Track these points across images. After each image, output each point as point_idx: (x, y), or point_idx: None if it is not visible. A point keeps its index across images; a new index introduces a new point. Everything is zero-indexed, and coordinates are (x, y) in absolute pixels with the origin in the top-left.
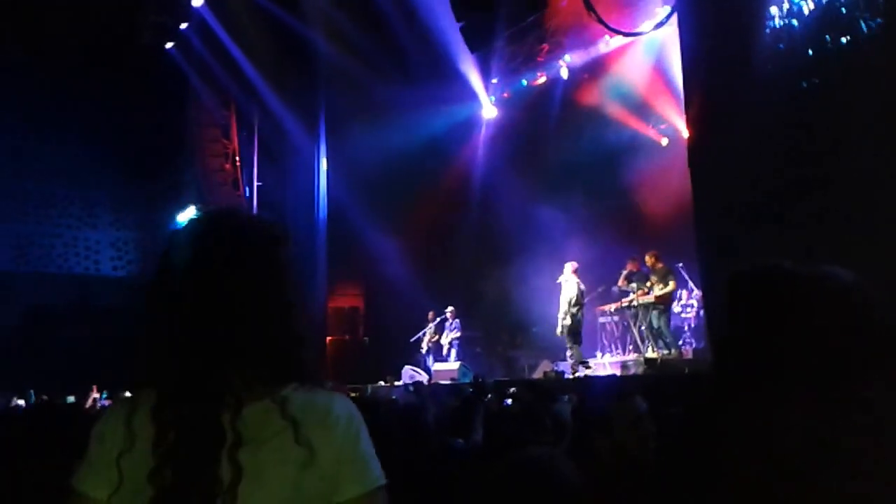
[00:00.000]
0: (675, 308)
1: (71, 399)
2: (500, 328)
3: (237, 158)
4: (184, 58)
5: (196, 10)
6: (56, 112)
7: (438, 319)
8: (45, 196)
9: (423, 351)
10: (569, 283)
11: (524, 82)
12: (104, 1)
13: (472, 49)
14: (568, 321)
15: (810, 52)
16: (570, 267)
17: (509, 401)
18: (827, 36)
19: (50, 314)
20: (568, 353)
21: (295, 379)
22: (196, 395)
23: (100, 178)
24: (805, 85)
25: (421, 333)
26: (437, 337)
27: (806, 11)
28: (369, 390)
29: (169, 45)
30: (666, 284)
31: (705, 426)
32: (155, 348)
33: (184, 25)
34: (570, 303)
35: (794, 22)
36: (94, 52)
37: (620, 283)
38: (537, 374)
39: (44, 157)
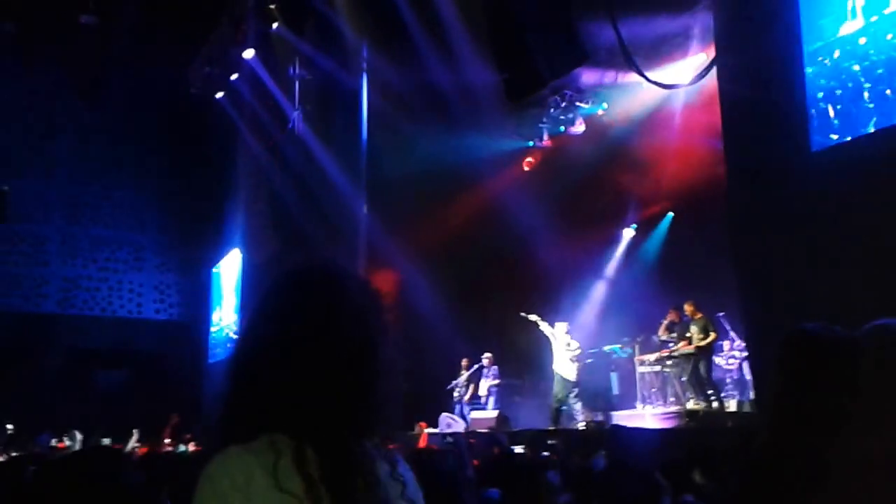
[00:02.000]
0: (718, 359)
1: (106, 441)
2: (539, 377)
3: (280, 204)
4: (232, 107)
5: (246, 61)
6: (106, 157)
7: (476, 367)
8: (93, 239)
9: (456, 398)
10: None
11: (562, 128)
12: (158, 53)
13: (513, 100)
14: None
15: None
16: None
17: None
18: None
19: (92, 357)
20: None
21: (383, 432)
22: (339, 446)
23: (147, 223)
24: (848, 139)
25: (456, 382)
26: (471, 385)
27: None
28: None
29: (219, 94)
30: (706, 334)
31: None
32: (289, 394)
33: (234, 76)
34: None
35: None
36: (146, 101)
37: (661, 332)
38: (579, 425)
39: (93, 201)
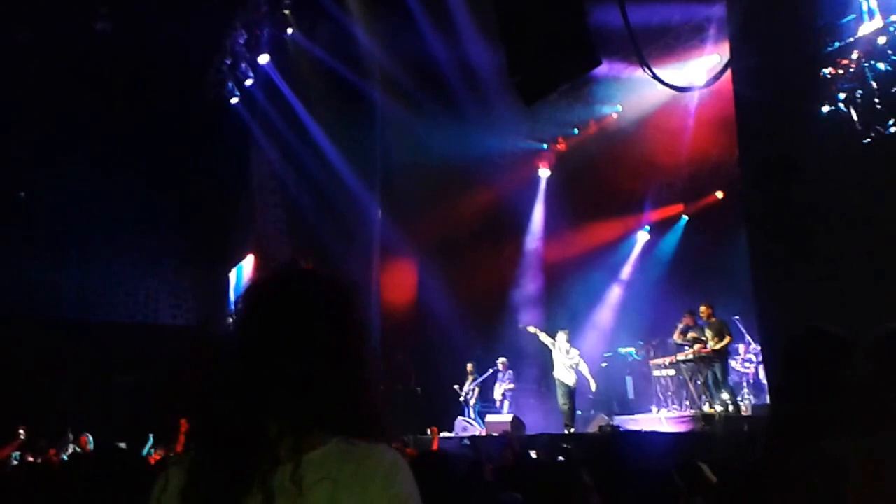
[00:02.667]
0: (733, 363)
1: (122, 446)
2: (553, 380)
3: (295, 208)
4: (248, 112)
5: (261, 67)
6: (122, 164)
7: (490, 371)
8: (111, 245)
9: (462, 400)
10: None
11: (576, 131)
12: (173, 57)
13: (527, 103)
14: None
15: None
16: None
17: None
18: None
19: (108, 362)
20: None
21: (354, 430)
22: (232, 445)
23: (163, 228)
24: (867, 140)
25: (472, 385)
26: (476, 388)
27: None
28: (411, 441)
29: (234, 100)
30: (721, 338)
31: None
32: (207, 400)
33: (249, 82)
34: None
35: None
36: (161, 106)
37: (676, 336)
38: (592, 428)
39: (109, 207)
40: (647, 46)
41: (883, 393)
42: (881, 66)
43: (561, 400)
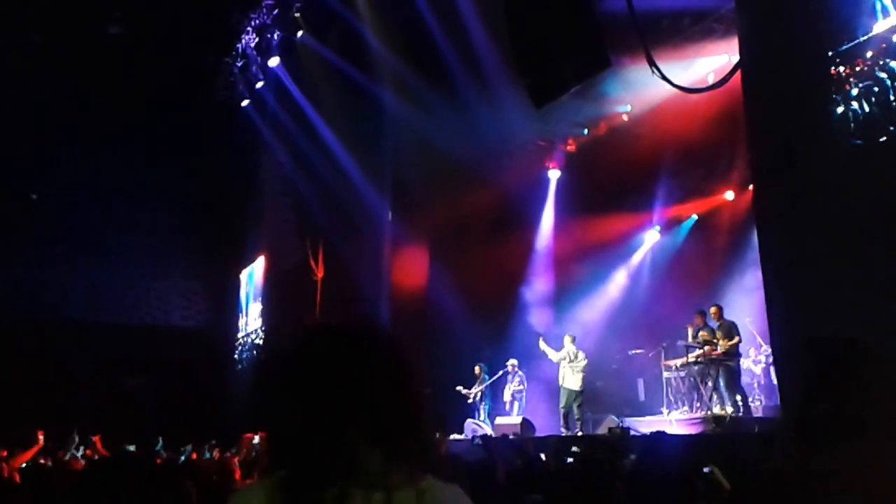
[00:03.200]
0: (745, 364)
1: (131, 448)
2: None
3: (305, 211)
4: (258, 114)
5: (271, 69)
6: (132, 166)
7: (500, 372)
8: (121, 247)
9: (471, 402)
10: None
11: (585, 131)
12: (184, 61)
13: (537, 105)
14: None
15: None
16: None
17: (570, 459)
18: None
19: (118, 363)
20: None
21: (430, 470)
22: (330, 477)
23: (173, 230)
24: (883, 139)
25: (481, 387)
26: (479, 390)
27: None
28: None
29: (244, 102)
30: (730, 339)
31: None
32: (292, 433)
33: (259, 84)
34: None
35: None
36: (172, 109)
37: (690, 338)
38: (601, 430)
39: (119, 208)
40: (655, 45)
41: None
42: (895, 64)
43: (562, 402)
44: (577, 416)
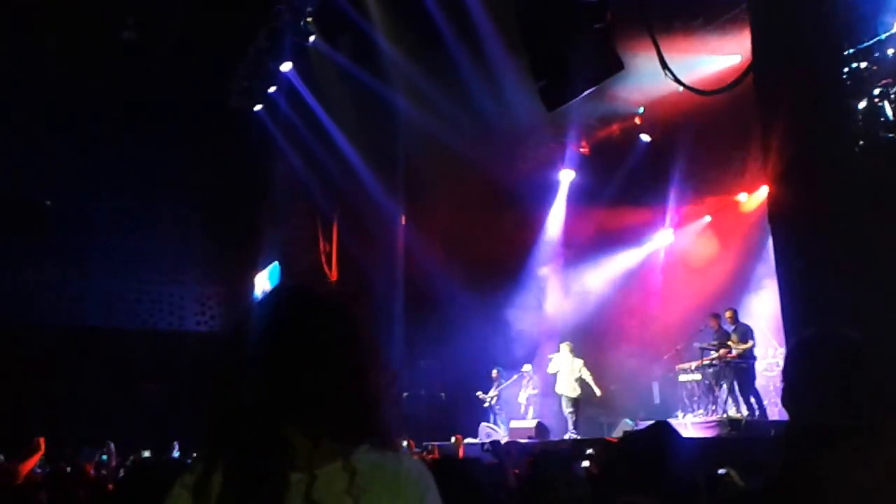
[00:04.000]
0: (760, 367)
1: (146, 454)
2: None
3: (318, 216)
4: (270, 119)
5: (284, 74)
6: (146, 171)
7: (514, 376)
8: (135, 253)
9: (487, 406)
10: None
11: (601, 136)
12: (196, 66)
13: (550, 108)
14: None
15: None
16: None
17: (585, 463)
18: None
19: (133, 369)
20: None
21: (369, 438)
22: (263, 455)
23: (187, 236)
24: (891, 136)
25: (497, 391)
26: (496, 393)
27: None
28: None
29: (257, 107)
30: (745, 342)
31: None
32: (225, 409)
33: (272, 89)
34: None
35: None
36: (184, 114)
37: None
38: (616, 434)
39: (133, 215)
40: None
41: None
42: None
43: (566, 408)
44: (571, 420)
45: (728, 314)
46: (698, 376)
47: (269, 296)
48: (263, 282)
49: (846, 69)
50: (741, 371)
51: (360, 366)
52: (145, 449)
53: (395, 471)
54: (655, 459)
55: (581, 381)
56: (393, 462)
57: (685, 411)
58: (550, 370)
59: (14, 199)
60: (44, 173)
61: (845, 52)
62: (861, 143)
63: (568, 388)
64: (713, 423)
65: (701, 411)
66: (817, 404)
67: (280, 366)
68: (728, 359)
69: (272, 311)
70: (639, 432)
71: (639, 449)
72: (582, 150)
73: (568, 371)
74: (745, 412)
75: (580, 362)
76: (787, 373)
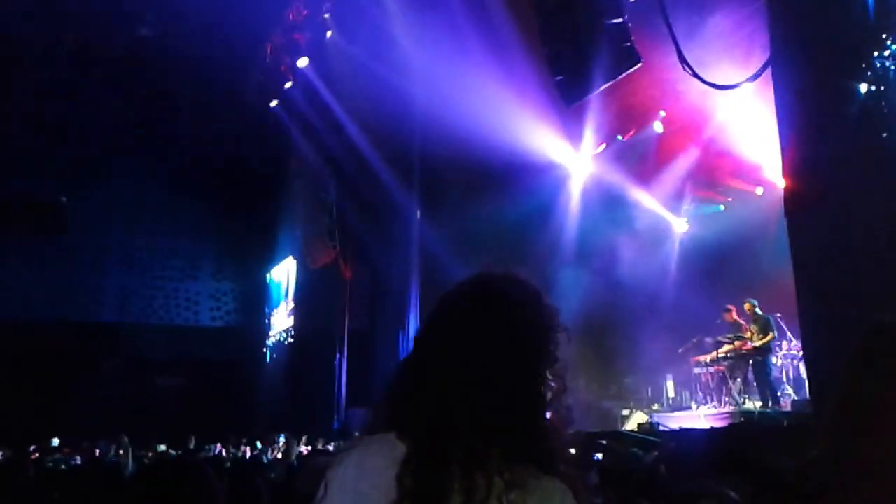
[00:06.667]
0: (774, 359)
1: (162, 447)
2: (591, 377)
3: (334, 211)
4: (286, 115)
5: (300, 70)
6: (162, 167)
7: None
8: (151, 249)
9: None
10: None
11: (619, 137)
12: (213, 62)
13: (568, 103)
14: None
15: None
16: None
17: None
18: None
19: (150, 364)
20: None
21: (533, 462)
22: (440, 455)
23: (202, 232)
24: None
25: None
26: None
27: None
28: None
29: (273, 103)
30: (765, 335)
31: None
32: (410, 396)
33: (288, 85)
34: None
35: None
36: (201, 110)
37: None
38: (630, 426)
39: (149, 211)
40: (687, 43)
41: None
42: None
43: None
44: None
45: (747, 306)
46: (712, 369)
47: (486, 284)
48: (278, 277)
49: (864, 64)
50: (756, 363)
51: (555, 390)
52: (161, 442)
53: (545, 493)
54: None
55: None
56: (548, 485)
57: (699, 403)
58: None
59: (32, 197)
60: (62, 172)
61: (863, 47)
62: (884, 134)
63: None
64: (726, 415)
65: (714, 403)
66: (864, 390)
67: (484, 370)
68: (743, 351)
69: (485, 303)
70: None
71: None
72: (598, 148)
73: None
74: (758, 404)
75: None
76: (819, 362)
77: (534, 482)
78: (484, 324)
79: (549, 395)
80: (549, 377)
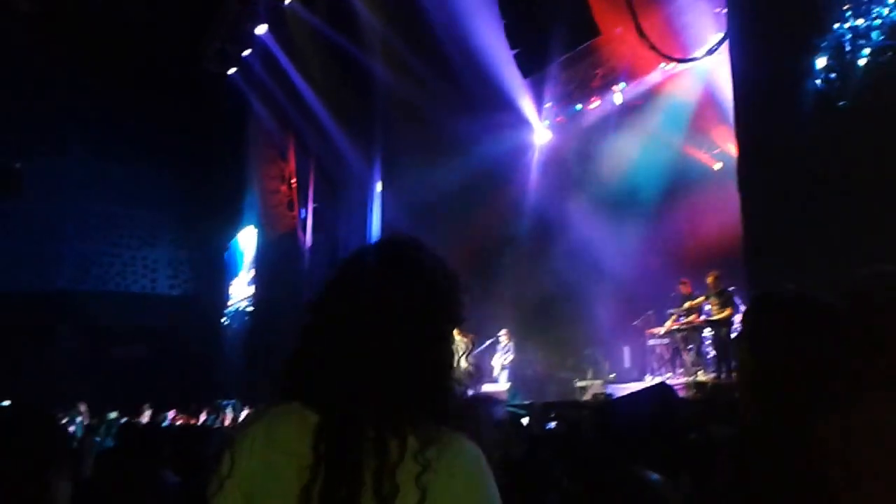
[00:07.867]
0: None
1: (113, 415)
2: (551, 350)
3: (293, 180)
4: (245, 83)
5: (259, 37)
6: (119, 134)
7: (488, 342)
8: (108, 216)
9: None
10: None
11: (578, 107)
12: (169, 28)
13: (526, 75)
14: None
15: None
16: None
17: (552, 424)
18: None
19: (106, 332)
20: None
21: (441, 420)
22: (353, 421)
23: (160, 199)
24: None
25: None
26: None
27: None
28: None
29: (231, 70)
30: (724, 309)
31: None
32: (314, 364)
33: (246, 52)
34: None
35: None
36: (158, 77)
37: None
38: (587, 396)
39: (107, 177)
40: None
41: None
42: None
43: None
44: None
45: (710, 279)
46: (667, 340)
47: (383, 248)
48: (239, 244)
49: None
50: (715, 336)
51: (450, 351)
52: (117, 409)
53: (457, 454)
54: (658, 421)
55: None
56: (452, 440)
57: (653, 374)
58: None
59: None
60: (14, 136)
61: (817, 29)
62: (841, 103)
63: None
64: (680, 387)
65: (669, 374)
66: (780, 368)
67: (382, 330)
68: (695, 323)
69: (382, 267)
70: (640, 393)
71: (641, 411)
72: (558, 120)
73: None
74: (711, 376)
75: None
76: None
77: (446, 439)
78: (389, 286)
79: (455, 354)
80: (455, 338)
